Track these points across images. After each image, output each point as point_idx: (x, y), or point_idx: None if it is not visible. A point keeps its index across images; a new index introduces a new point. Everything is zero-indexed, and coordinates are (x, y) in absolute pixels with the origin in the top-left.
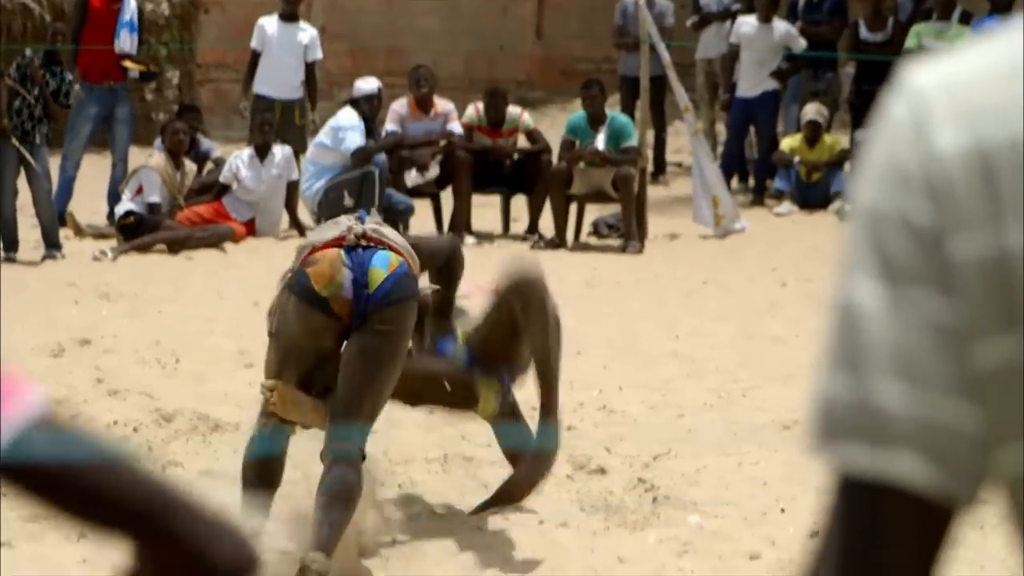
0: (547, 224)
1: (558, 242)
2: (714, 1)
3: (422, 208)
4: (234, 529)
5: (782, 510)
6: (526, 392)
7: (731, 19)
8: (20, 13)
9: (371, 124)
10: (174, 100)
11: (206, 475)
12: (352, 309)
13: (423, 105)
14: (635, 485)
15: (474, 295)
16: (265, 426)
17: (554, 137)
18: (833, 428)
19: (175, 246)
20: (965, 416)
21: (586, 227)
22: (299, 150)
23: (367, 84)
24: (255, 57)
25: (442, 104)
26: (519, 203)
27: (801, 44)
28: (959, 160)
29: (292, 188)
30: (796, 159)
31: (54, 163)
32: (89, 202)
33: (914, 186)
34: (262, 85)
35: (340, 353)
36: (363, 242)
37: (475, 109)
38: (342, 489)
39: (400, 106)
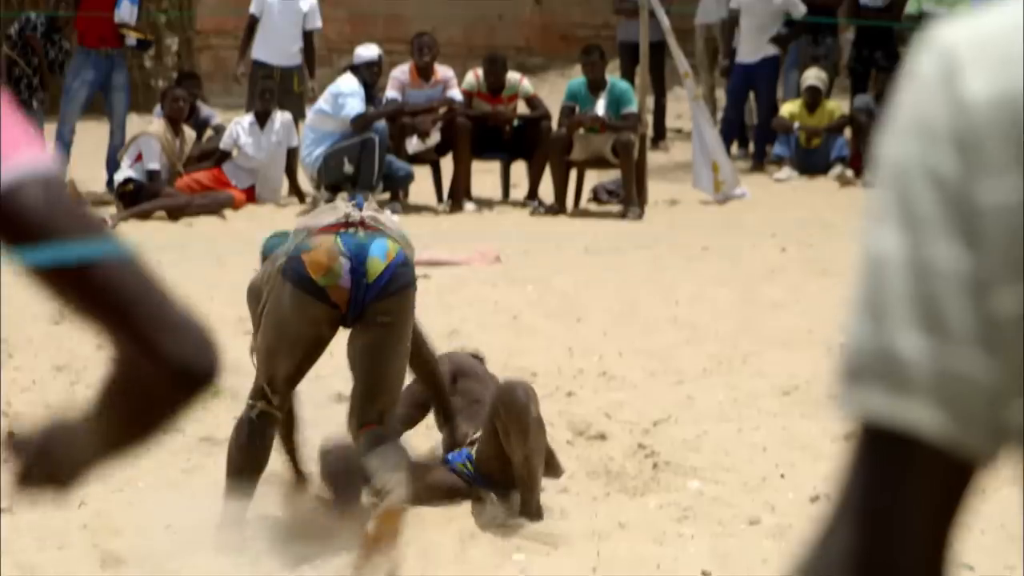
0: (547, 190)
1: (558, 208)
2: None
3: (422, 175)
4: (203, 334)
5: (782, 476)
6: None
7: None
8: None
9: (371, 91)
10: (173, 67)
11: (206, 441)
12: (350, 298)
13: (424, 72)
14: (635, 451)
15: (475, 261)
16: (252, 409)
17: (554, 103)
18: (855, 374)
19: (175, 213)
20: (983, 368)
21: (586, 193)
22: (297, 117)
23: (368, 51)
24: (253, 22)
25: (442, 71)
26: (519, 169)
27: (801, 9)
28: (987, 107)
29: (292, 155)
30: (796, 125)
31: (50, 130)
32: (88, 170)
33: (941, 137)
34: (261, 52)
35: (330, 340)
36: (361, 229)
37: (475, 75)
38: (390, 442)
39: (401, 73)
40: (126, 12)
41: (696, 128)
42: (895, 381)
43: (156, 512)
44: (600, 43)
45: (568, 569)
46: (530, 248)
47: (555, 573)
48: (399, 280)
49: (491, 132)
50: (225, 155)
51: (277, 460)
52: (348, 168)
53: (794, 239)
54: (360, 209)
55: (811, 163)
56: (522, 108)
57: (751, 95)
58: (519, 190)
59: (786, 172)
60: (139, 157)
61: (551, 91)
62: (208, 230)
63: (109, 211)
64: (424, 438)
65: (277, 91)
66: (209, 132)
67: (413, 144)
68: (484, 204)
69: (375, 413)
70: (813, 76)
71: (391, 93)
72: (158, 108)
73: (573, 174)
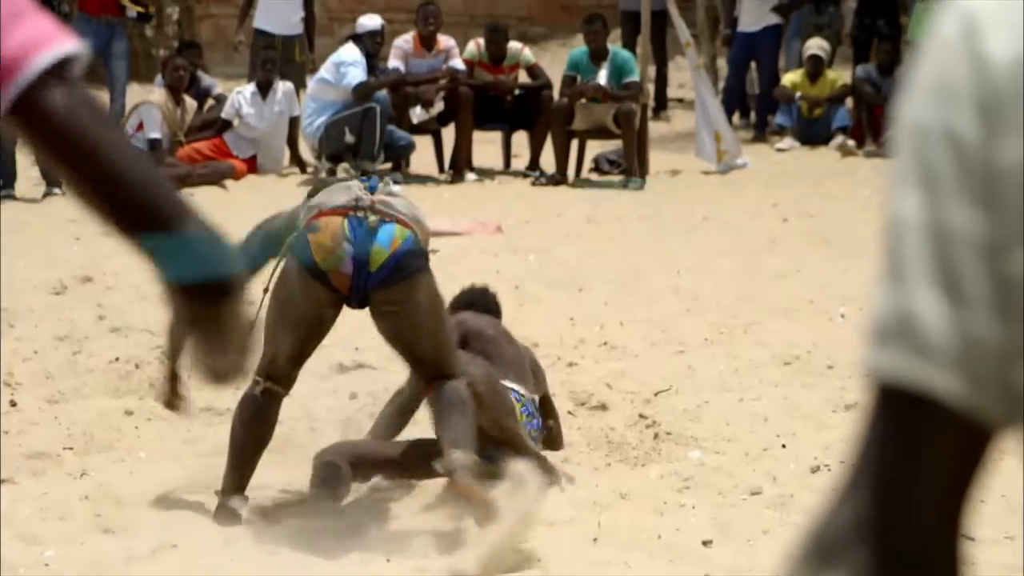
0: (548, 160)
1: (559, 178)
2: None
3: (423, 145)
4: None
5: (783, 446)
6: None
7: None
8: None
9: (373, 60)
10: (174, 36)
11: (207, 411)
12: (352, 284)
13: (427, 42)
14: (636, 421)
15: (477, 231)
16: (256, 385)
17: (555, 73)
18: (877, 334)
19: (176, 183)
20: (997, 331)
21: (587, 163)
22: (298, 86)
23: (370, 20)
24: None
25: (444, 40)
26: (520, 139)
27: None
28: (1009, 67)
29: (293, 124)
30: (798, 94)
31: None
32: None
33: (961, 98)
34: (262, 21)
35: (334, 321)
36: (371, 215)
37: (476, 45)
38: (455, 398)
39: (404, 42)
40: None
41: (698, 97)
42: (913, 343)
43: (157, 482)
44: (602, 12)
45: (569, 539)
46: (531, 218)
47: (556, 543)
48: (404, 269)
49: (492, 102)
50: (226, 125)
51: (280, 437)
52: (349, 138)
53: (795, 209)
54: (372, 192)
55: (813, 133)
56: (523, 78)
57: (753, 64)
58: (520, 160)
59: (787, 142)
60: (140, 126)
61: (552, 61)
62: (209, 200)
63: None
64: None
65: (278, 60)
66: (210, 102)
67: (417, 113)
68: (485, 174)
69: (433, 374)
70: (815, 45)
71: (394, 62)
72: (159, 77)
73: (574, 144)
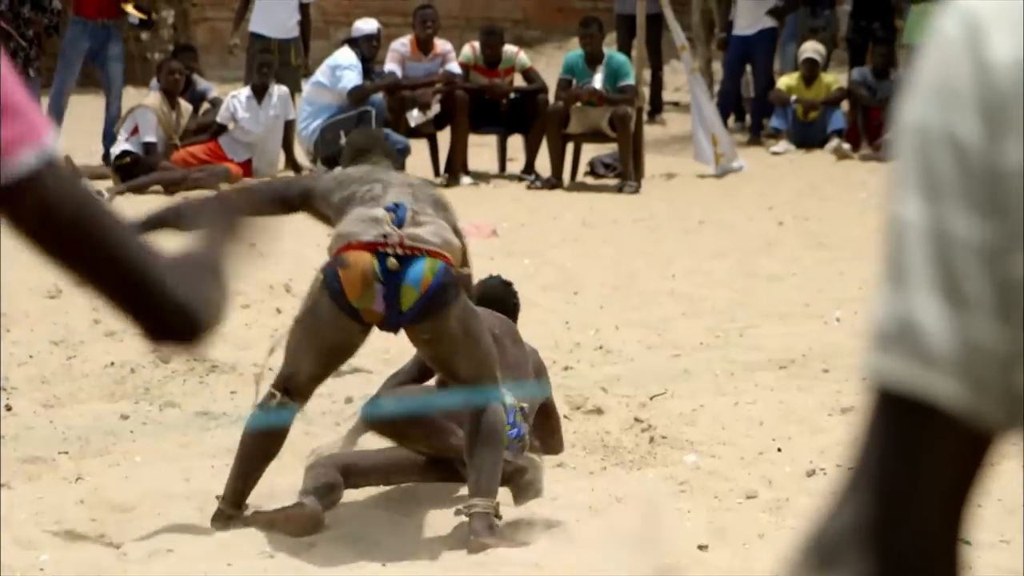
0: (544, 164)
1: (555, 182)
2: None
3: (418, 148)
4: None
5: (779, 449)
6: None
7: None
8: None
9: (369, 64)
10: (169, 40)
11: (203, 415)
12: (384, 319)
13: (424, 46)
14: (632, 425)
15: (472, 235)
16: (272, 399)
17: (550, 76)
18: (878, 340)
19: (171, 187)
20: (999, 337)
21: (583, 167)
22: (294, 90)
23: (367, 24)
24: None
25: (441, 44)
26: (516, 143)
27: None
28: (1012, 70)
29: (289, 128)
30: (793, 98)
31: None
32: (84, 142)
33: (964, 101)
34: (258, 24)
35: (360, 346)
36: (399, 251)
37: (471, 48)
38: (489, 430)
39: (401, 45)
40: None
41: (694, 101)
42: (915, 349)
43: (152, 487)
44: (597, 16)
45: (565, 542)
46: (527, 221)
47: (552, 547)
48: (435, 306)
49: (488, 105)
50: (222, 128)
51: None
52: (344, 140)
53: (791, 212)
54: (401, 224)
55: (808, 136)
56: (519, 81)
57: (748, 68)
58: (516, 163)
59: (783, 145)
60: (135, 130)
61: (548, 64)
62: None
63: (105, 184)
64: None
65: (275, 64)
66: (206, 105)
67: (414, 116)
68: (481, 178)
69: (477, 390)
70: (811, 49)
71: (391, 66)
72: (154, 81)
73: (570, 147)
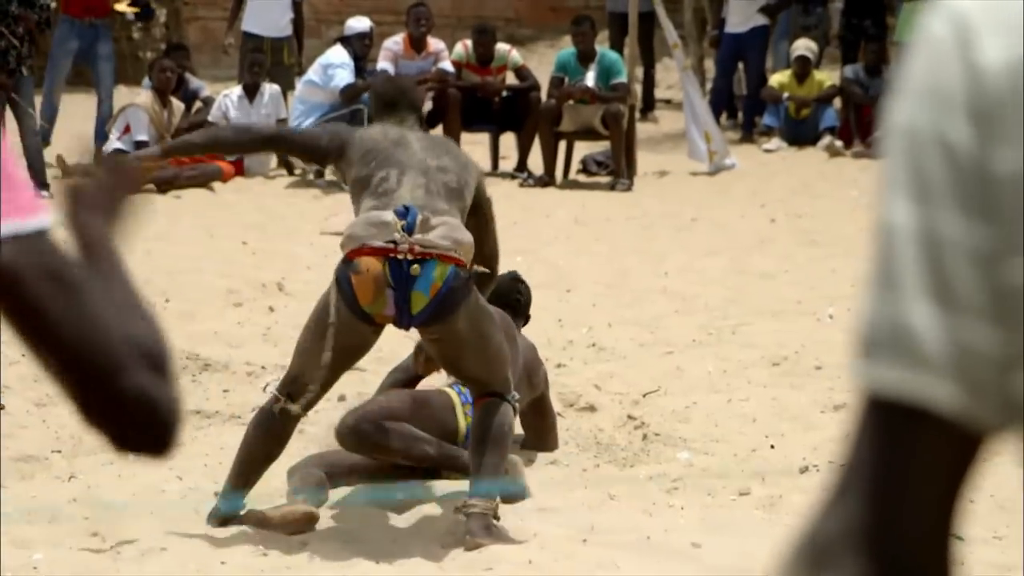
0: (536, 162)
1: (547, 180)
2: None
3: None
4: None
5: (772, 446)
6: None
7: None
8: None
9: (361, 63)
10: (161, 39)
11: (196, 414)
12: (396, 320)
13: (417, 44)
14: (625, 422)
15: None
16: (277, 402)
17: (542, 74)
18: (867, 346)
19: (163, 185)
20: (993, 340)
21: (575, 164)
22: (287, 89)
23: (359, 23)
24: None
25: (433, 43)
26: (508, 141)
27: None
28: (1003, 74)
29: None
30: (785, 95)
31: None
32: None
33: (955, 105)
34: (251, 23)
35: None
36: (410, 256)
37: (464, 47)
38: (497, 431)
39: (394, 44)
40: None
41: (687, 98)
42: (907, 354)
43: (145, 485)
44: (589, 14)
45: (559, 540)
46: (519, 219)
47: (546, 544)
48: (445, 309)
49: (480, 103)
50: (213, 127)
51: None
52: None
53: (783, 210)
54: (410, 229)
55: (800, 133)
56: (511, 79)
57: (740, 65)
58: (508, 161)
59: (775, 143)
60: (127, 129)
61: (540, 62)
62: (197, 202)
63: None
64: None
65: (266, 63)
66: (198, 104)
67: None
68: None
69: (488, 389)
70: (803, 46)
71: (383, 64)
72: (146, 80)
73: (562, 145)
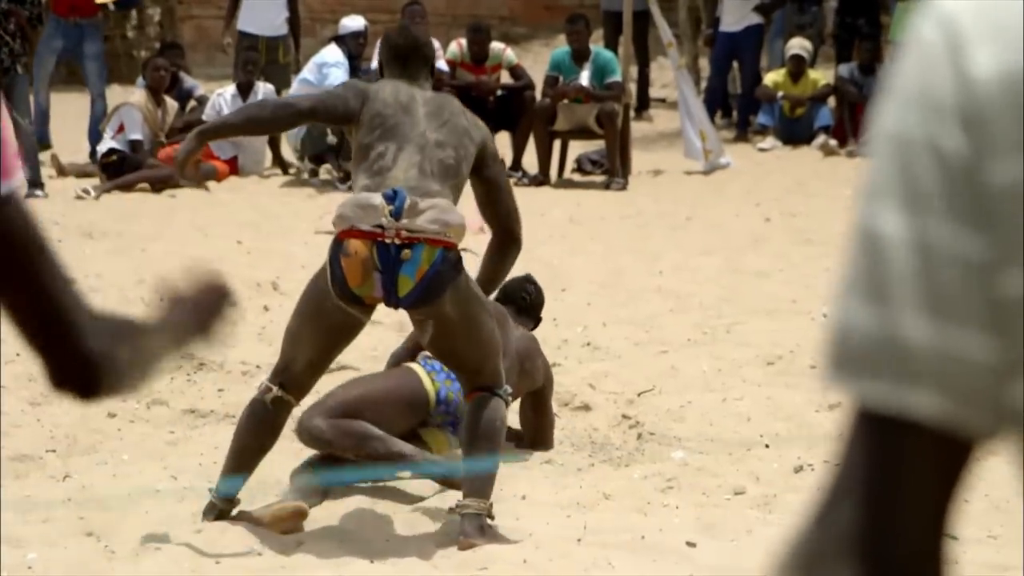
0: (531, 160)
1: (542, 178)
2: None
3: None
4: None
5: (766, 445)
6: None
7: None
8: None
9: (356, 61)
10: (156, 37)
11: (190, 413)
12: (385, 301)
13: None
14: (619, 421)
15: None
16: (268, 392)
17: (537, 73)
18: (854, 360)
19: (158, 184)
20: (989, 351)
21: (570, 163)
22: (282, 87)
23: (353, 22)
24: None
25: None
26: (502, 140)
27: None
28: (996, 85)
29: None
30: (780, 94)
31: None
32: (71, 140)
33: (947, 113)
34: (246, 22)
35: (361, 329)
36: (397, 240)
37: (458, 45)
38: (489, 427)
39: None
40: None
41: (682, 97)
42: (900, 369)
43: (140, 484)
44: (584, 12)
45: (553, 539)
46: None
47: (540, 543)
48: (432, 292)
49: (475, 102)
50: None
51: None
52: (332, 138)
53: (778, 208)
54: (398, 214)
55: (795, 132)
56: (506, 78)
57: (735, 64)
58: (503, 160)
59: (770, 141)
60: (121, 128)
61: (535, 61)
62: (191, 202)
63: (92, 182)
64: None
65: (260, 62)
66: (192, 103)
67: None
68: None
69: (479, 382)
70: (797, 45)
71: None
72: (140, 79)
73: (557, 144)
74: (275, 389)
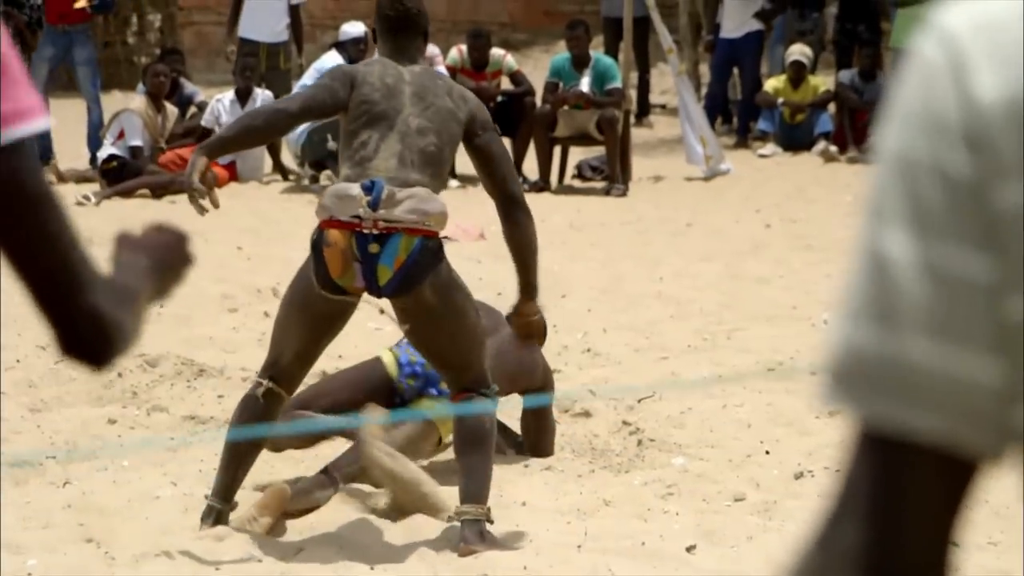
0: (531, 167)
1: (542, 185)
2: None
3: None
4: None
5: (767, 452)
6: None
7: None
8: None
9: None
10: (156, 43)
11: (190, 419)
12: (367, 290)
13: None
14: (620, 428)
15: (459, 238)
16: (259, 387)
17: (537, 79)
18: (858, 380)
19: (158, 190)
20: (993, 373)
21: (570, 169)
22: (283, 94)
23: (354, 28)
24: None
25: (429, 48)
26: None
27: None
28: (1000, 108)
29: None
30: (780, 100)
31: None
32: (70, 147)
33: (952, 135)
34: (247, 29)
35: (348, 318)
36: (375, 230)
37: (458, 51)
38: (477, 433)
39: None
40: None
41: (682, 103)
42: (904, 389)
43: (140, 491)
44: (584, 18)
45: (554, 546)
46: None
47: (541, 550)
48: (411, 281)
49: None
50: (207, 132)
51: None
52: (332, 144)
53: (778, 215)
54: (375, 205)
55: (795, 139)
56: (506, 84)
57: (735, 70)
58: None
59: (770, 148)
60: (121, 134)
61: (535, 67)
62: (191, 207)
63: (92, 189)
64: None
65: (258, 68)
66: (192, 109)
67: None
68: (468, 180)
69: (464, 382)
70: (798, 51)
71: None
72: (141, 85)
73: (557, 150)
74: (266, 382)
